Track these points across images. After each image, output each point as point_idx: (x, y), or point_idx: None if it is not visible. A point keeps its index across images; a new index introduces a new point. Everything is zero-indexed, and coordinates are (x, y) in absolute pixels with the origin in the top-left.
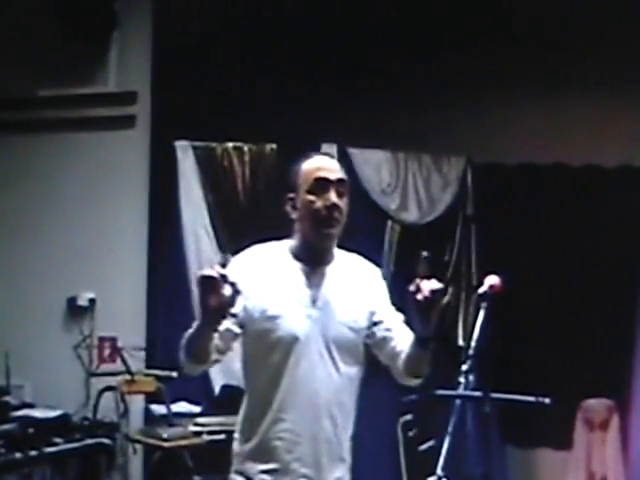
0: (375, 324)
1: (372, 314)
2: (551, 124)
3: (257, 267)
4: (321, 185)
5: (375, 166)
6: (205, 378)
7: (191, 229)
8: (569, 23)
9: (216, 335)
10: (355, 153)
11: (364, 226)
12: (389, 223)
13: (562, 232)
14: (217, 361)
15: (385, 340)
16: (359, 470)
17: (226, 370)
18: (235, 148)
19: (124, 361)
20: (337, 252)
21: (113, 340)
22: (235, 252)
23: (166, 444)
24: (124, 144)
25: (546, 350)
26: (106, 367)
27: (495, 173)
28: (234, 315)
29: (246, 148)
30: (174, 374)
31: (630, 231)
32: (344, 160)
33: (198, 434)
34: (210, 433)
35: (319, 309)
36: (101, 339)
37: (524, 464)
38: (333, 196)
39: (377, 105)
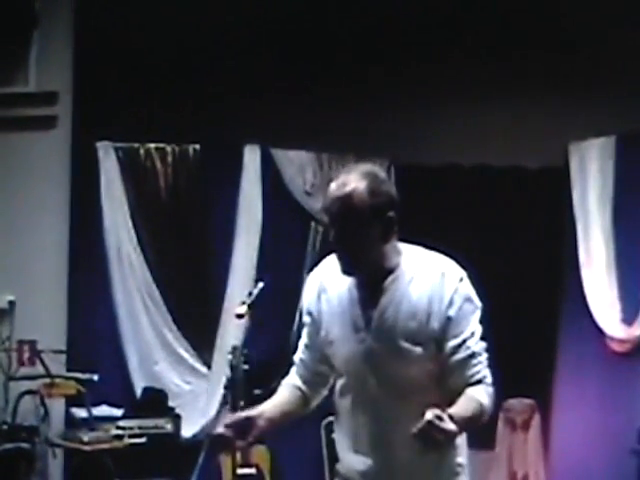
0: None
1: (437, 328)
2: (474, 125)
3: (324, 284)
4: None
5: (299, 167)
6: (126, 381)
7: (113, 230)
8: (490, 27)
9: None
10: (278, 154)
11: (288, 227)
12: (313, 224)
13: (485, 232)
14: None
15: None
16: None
17: (147, 373)
18: (158, 149)
19: (44, 364)
20: (403, 257)
21: (33, 343)
22: (161, 255)
23: (87, 448)
24: (45, 145)
25: None
26: (26, 370)
27: (418, 174)
28: (315, 349)
29: (169, 149)
30: (95, 377)
31: (552, 231)
32: (267, 161)
33: (119, 437)
34: (131, 436)
35: (372, 331)
36: (20, 342)
37: None
38: (332, 237)
39: (300, 106)
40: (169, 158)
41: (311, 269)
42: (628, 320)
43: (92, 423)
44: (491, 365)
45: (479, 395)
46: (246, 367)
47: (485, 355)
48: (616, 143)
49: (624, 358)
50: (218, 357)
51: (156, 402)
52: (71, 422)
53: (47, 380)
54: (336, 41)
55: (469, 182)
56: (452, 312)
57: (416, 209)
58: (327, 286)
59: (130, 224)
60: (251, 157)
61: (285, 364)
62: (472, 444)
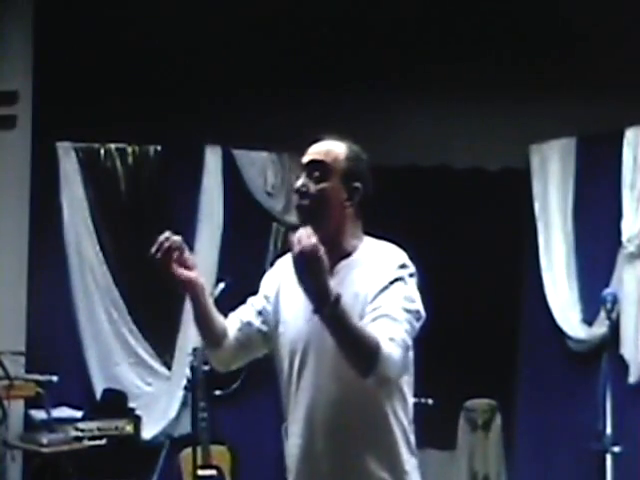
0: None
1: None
2: (435, 127)
3: (282, 268)
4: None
5: (260, 168)
6: (86, 382)
7: (72, 230)
8: (453, 28)
9: (234, 323)
10: (240, 155)
11: (249, 227)
12: (274, 225)
13: (446, 234)
14: (241, 355)
15: None
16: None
17: (107, 374)
18: (118, 149)
19: (2, 366)
20: (362, 245)
21: None
22: (121, 256)
23: (46, 450)
24: (4, 145)
25: (429, 351)
26: None
27: (380, 175)
28: (259, 312)
29: (129, 149)
30: (54, 378)
31: (513, 233)
32: (228, 162)
33: (79, 439)
34: (91, 438)
35: (302, 315)
36: None
37: None
38: (298, 181)
39: (262, 107)
40: (129, 159)
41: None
42: (588, 320)
43: (51, 425)
44: (452, 365)
45: (381, 340)
46: (206, 368)
47: (407, 336)
48: (577, 144)
49: (585, 358)
50: (178, 358)
51: (116, 404)
52: (30, 424)
53: (6, 382)
54: (298, 43)
55: (430, 183)
56: (383, 283)
57: (376, 210)
58: (288, 270)
59: (90, 225)
60: (212, 158)
61: (245, 366)
62: (433, 444)
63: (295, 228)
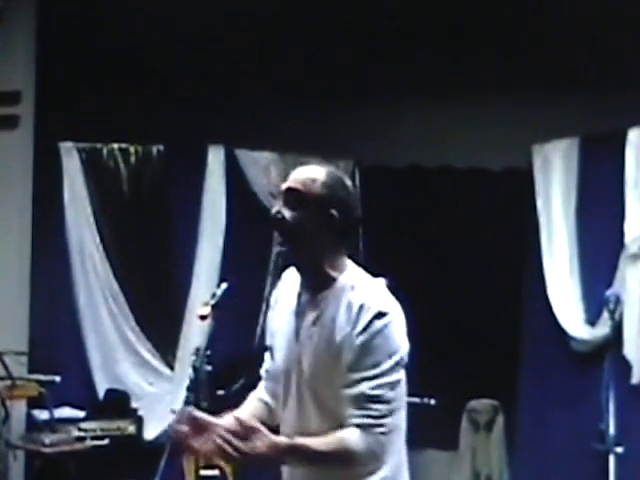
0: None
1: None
2: (438, 127)
3: (280, 294)
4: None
5: (263, 168)
6: (89, 382)
7: (75, 230)
8: (454, 29)
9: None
10: (242, 155)
11: (252, 227)
12: None
13: (449, 234)
14: None
15: None
16: None
17: (110, 374)
18: (121, 149)
19: (5, 366)
20: (347, 277)
21: None
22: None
23: (48, 450)
24: (7, 145)
25: (432, 351)
26: None
27: (382, 175)
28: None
29: (132, 149)
30: (57, 378)
31: (515, 233)
32: (231, 162)
33: (81, 439)
34: (94, 438)
35: (300, 343)
36: None
37: (410, 464)
38: (274, 208)
39: (265, 106)
40: (132, 159)
41: (275, 270)
42: (591, 321)
43: (54, 425)
44: (455, 365)
45: (348, 439)
46: (209, 368)
47: (383, 407)
48: (579, 144)
49: (587, 359)
50: (181, 358)
51: (118, 404)
52: (32, 424)
53: (8, 382)
54: (300, 43)
55: (433, 184)
56: (359, 342)
57: (379, 210)
58: (281, 296)
59: (93, 225)
60: (215, 158)
61: (248, 366)
62: (435, 444)
63: None
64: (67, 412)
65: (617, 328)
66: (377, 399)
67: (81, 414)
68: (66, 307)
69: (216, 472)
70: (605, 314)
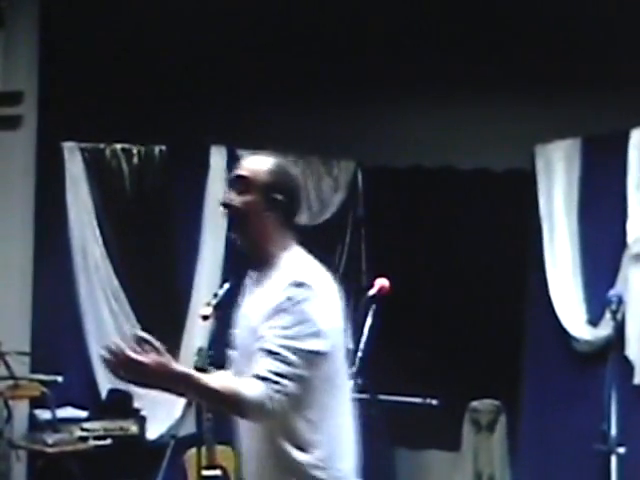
0: None
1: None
2: (441, 128)
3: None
4: None
5: None
6: (91, 382)
7: (78, 230)
8: (455, 29)
9: None
10: (245, 155)
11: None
12: None
13: (451, 234)
14: None
15: None
16: None
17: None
18: (123, 149)
19: (7, 366)
20: (286, 255)
21: None
22: (126, 256)
23: (51, 450)
24: (10, 145)
25: (434, 352)
26: None
27: (385, 176)
28: None
29: (135, 149)
30: (59, 378)
31: (517, 234)
32: (233, 162)
33: (84, 439)
34: (96, 438)
35: (239, 326)
36: None
37: (412, 465)
38: (225, 195)
39: (267, 107)
40: (135, 159)
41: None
42: (593, 321)
43: (56, 425)
44: (457, 366)
45: (242, 385)
46: (211, 368)
47: (283, 366)
48: (582, 145)
49: (590, 359)
50: (183, 358)
51: (121, 404)
52: (35, 424)
53: (11, 382)
54: (303, 43)
55: (435, 184)
56: (274, 305)
57: (382, 210)
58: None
59: (95, 225)
60: (217, 158)
61: None
62: (438, 445)
63: (300, 228)
64: (69, 412)
65: (619, 329)
66: (278, 357)
67: (83, 414)
68: (68, 307)
69: (218, 472)
70: (607, 315)
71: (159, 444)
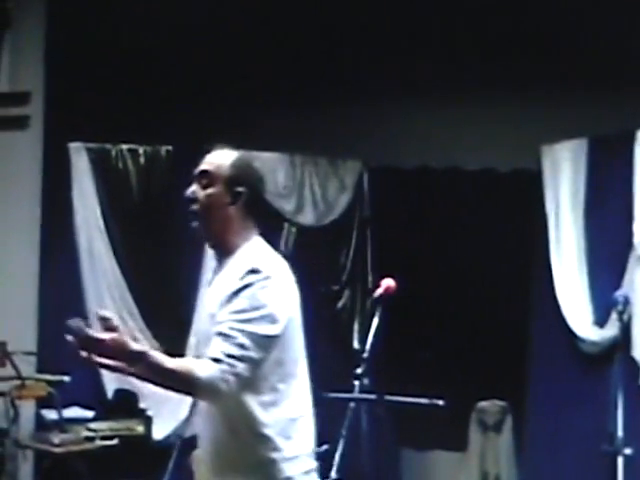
0: None
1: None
2: (446, 128)
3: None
4: None
5: (271, 169)
6: (97, 382)
7: (84, 230)
8: (460, 30)
9: None
10: (250, 155)
11: (260, 228)
12: (285, 225)
13: (457, 235)
14: None
15: None
16: None
17: (118, 374)
18: (130, 150)
19: (14, 366)
20: (246, 245)
21: (3, 344)
22: (133, 256)
23: (57, 450)
24: (17, 145)
25: (440, 352)
26: None
27: (391, 176)
28: None
29: (141, 150)
30: (65, 378)
31: (523, 234)
32: None
33: (90, 439)
34: (103, 438)
35: (199, 313)
36: None
37: (419, 465)
38: (188, 189)
39: (272, 107)
40: (141, 159)
41: None
42: (600, 322)
43: (63, 425)
44: (463, 366)
45: (196, 364)
46: None
47: (235, 349)
48: (588, 145)
49: (596, 360)
50: (189, 357)
51: (127, 404)
52: (41, 424)
53: (17, 382)
54: (309, 43)
55: (441, 185)
56: (230, 291)
57: (388, 211)
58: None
59: (102, 225)
60: None
61: None
62: (444, 445)
63: (306, 229)
64: (76, 412)
65: (626, 329)
66: (231, 339)
67: (90, 414)
68: (75, 307)
69: None
70: (614, 315)
71: (165, 444)
